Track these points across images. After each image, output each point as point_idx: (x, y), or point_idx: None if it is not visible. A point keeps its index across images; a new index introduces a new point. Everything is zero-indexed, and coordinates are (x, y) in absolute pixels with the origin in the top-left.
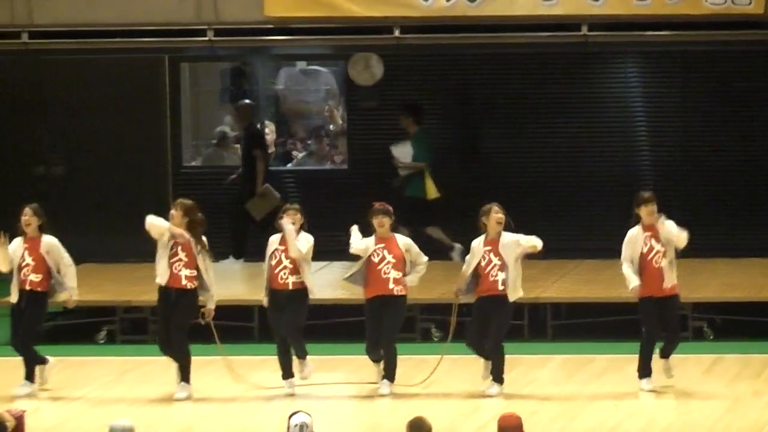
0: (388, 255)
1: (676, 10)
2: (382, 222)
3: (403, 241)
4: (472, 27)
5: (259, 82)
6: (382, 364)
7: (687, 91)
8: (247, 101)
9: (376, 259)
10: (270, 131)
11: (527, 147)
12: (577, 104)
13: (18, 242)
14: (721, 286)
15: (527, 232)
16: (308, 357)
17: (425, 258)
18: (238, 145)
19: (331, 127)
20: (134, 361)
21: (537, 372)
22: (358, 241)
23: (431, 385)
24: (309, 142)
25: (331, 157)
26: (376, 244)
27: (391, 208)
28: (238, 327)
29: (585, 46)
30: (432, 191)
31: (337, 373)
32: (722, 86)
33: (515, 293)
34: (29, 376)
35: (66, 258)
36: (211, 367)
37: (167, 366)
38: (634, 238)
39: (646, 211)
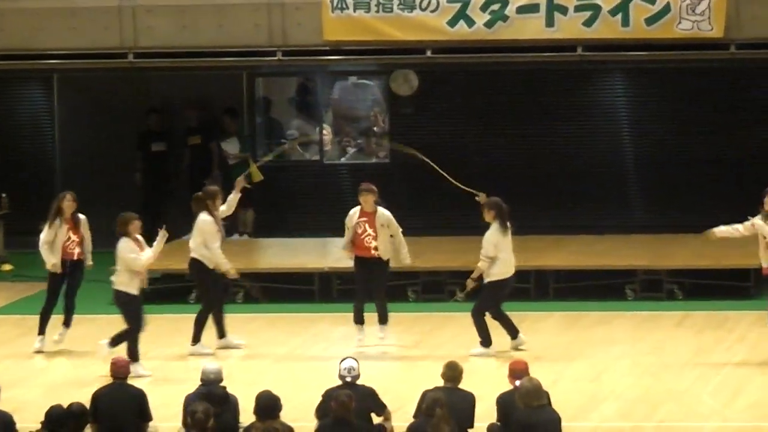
0: (369, 228)
1: (653, 34)
2: (366, 198)
3: (382, 215)
4: (490, 48)
5: (318, 93)
6: (363, 328)
7: (662, 99)
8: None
9: (359, 231)
10: (327, 132)
11: (534, 146)
12: (574, 111)
13: (59, 223)
14: (691, 255)
15: (535, 215)
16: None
17: (400, 230)
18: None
19: (376, 129)
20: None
21: (541, 325)
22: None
23: (452, 341)
24: (359, 141)
25: (376, 153)
26: (360, 218)
27: (374, 187)
28: (302, 290)
29: (580, 64)
30: (257, 176)
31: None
32: (691, 95)
33: None
34: (68, 323)
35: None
36: (280, 321)
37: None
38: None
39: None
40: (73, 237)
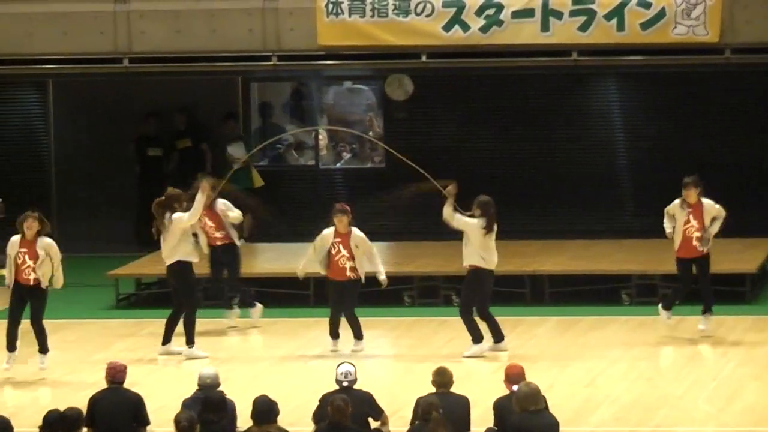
0: (343, 249)
1: (648, 39)
2: (340, 219)
3: (356, 236)
4: (484, 53)
5: (313, 98)
6: (338, 341)
7: (657, 104)
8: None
9: (333, 251)
10: (323, 137)
11: (530, 149)
12: (570, 115)
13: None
14: None
15: (530, 219)
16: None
17: (375, 250)
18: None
19: (371, 133)
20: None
21: (536, 330)
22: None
23: (447, 345)
24: (354, 146)
25: (371, 158)
26: (334, 238)
27: (348, 208)
28: (297, 294)
29: (575, 68)
30: (258, 180)
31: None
32: (685, 100)
33: None
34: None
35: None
36: (276, 326)
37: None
38: (673, 209)
39: (684, 194)
40: (210, 223)
